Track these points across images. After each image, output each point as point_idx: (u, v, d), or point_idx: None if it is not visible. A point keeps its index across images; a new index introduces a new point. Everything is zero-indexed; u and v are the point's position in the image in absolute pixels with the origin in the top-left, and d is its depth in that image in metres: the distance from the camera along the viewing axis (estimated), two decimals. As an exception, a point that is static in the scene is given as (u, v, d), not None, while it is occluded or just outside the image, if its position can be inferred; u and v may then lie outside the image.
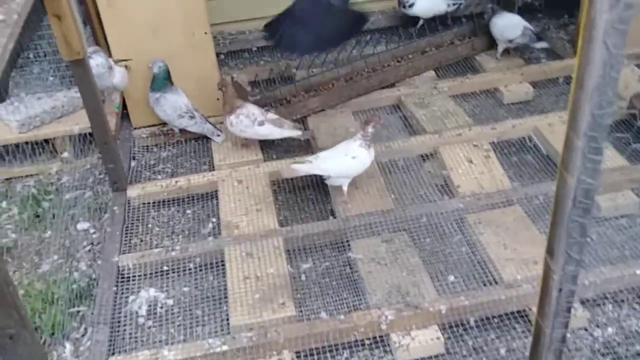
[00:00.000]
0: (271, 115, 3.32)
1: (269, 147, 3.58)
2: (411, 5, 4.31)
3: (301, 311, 2.56)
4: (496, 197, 2.99)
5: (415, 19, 4.49)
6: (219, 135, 3.54)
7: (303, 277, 2.74)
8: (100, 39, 3.67)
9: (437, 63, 4.08)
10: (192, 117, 3.51)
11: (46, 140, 3.60)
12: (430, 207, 2.98)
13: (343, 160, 2.97)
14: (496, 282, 2.60)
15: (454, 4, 4.37)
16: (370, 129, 2.94)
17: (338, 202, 3.03)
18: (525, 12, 4.59)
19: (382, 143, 3.39)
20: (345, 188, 3.02)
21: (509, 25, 3.99)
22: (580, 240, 1.64)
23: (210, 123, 3.53)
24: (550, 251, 1.71)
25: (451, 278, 2.65)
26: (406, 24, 4.62)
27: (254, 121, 3.27)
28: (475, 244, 2.80)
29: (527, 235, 2.77)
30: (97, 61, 3.31)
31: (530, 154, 3.35)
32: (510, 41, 3.99)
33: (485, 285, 2.60)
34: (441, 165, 3.26)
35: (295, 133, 3.31)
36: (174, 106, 3.48)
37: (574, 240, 1.63)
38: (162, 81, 3.46)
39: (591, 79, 1.37)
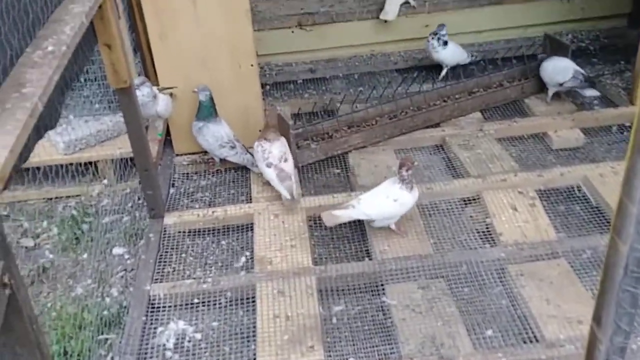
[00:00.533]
0: (284, 165, 3.24)
1: (307, 181, 3.54)
2: (443, 47, 4.27)
3: (330, 356, 2.48)
4: (540, 248, 2.86)
5: (440, 66, 4.42)
6: (256, 167, 3.49)
7: (334, 320, 2.66)
8: (149, 67, 3.72)
9: (485, 104, 3.99)
10: (232, 147, 3.50)
11: (90, 162, 3.65)
12: (470, 255, 2.88)
13: (385, 203, 2.91)
14: (537, 340, 2.47)
15: (472, 55, 4.43)
16: (404, 172, 2.89)
17: (376, 243, 2.96)
18: (579, 56, 4.49)
19: (423, 185, 3.30)
20: (393, 227, 2.98)
21: (558, 69, 3.88)
22: (631, 311, 1.53)
23: (250, 154, 3.52)
24: (597, 319, 1.60)
25: (489, 332, 2.53)
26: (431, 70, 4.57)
27: (265, 159, 3.26)
28: (516, 297, 2.67)
29: (573, 292, 2.63)
30: (143, 92, 3.35)
31: (578, 205, 3.21)
32: (561, 85, 3.88)
33: (524, 342, 2.47)
34: (484, 211, 3.16)
35: (285, 195, 3.20)
36: (215, 136, 3.48)
37: (624, 310, 1.52)
38: (208, 109, 3.47)
39: (651, 143, 1.28)
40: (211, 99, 3.47)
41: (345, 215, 2.94)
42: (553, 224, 3.02)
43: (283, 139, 3.35)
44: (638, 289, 1.49)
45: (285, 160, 3.27)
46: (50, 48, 1.88)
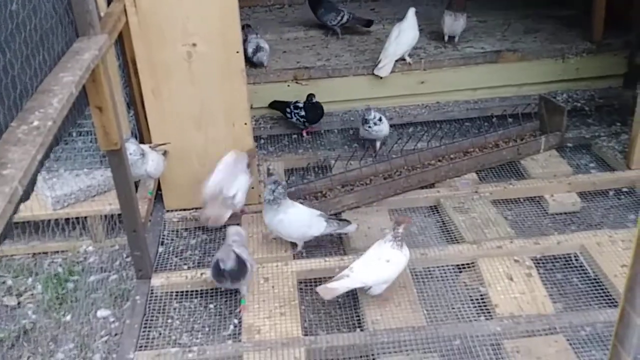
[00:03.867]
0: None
1: (300, 242, 3.47)
2: (376, 124, 4.10)
3: None
4: (537, 323, 2.78)
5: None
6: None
7: (323, 397, 2.57)
8: (142, 123, 3.69)
9: (480, 165, 3.96)
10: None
11: (78, 218, 3.58)
12: (464, 328, 2.79)
13: (378, 265, 2.85)
14: None
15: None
16: (401, 230, 2.84)
17: (368, 311, 2.88)
18: (574, 116, 4.50)
19: (417, 250, 3.24)
20: (383, 293, 2.91)
21: None
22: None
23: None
24: None
25: (483, 415, 2.44)
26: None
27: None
28: (512, 376, 2.58)
29: (570, 372, 2.55)
30: (129, 149, 3.29)
31: (576, 275, 3.15)
32: None
33: None
34: (479, 278, 3.09)
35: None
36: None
37: (627, 422, 1.45)
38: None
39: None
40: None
41: (341, 286, 2.85)
42: (550, 295, 2.95)
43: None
44: (642, 400, 1.42)
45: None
46: (35, 123, 1.84)
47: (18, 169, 1.63)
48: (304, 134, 4.57)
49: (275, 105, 4.65)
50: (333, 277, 3.15)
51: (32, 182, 2.08)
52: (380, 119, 4.09)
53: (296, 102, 4.47)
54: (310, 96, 4.40)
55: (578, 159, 4.10)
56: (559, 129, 4.07)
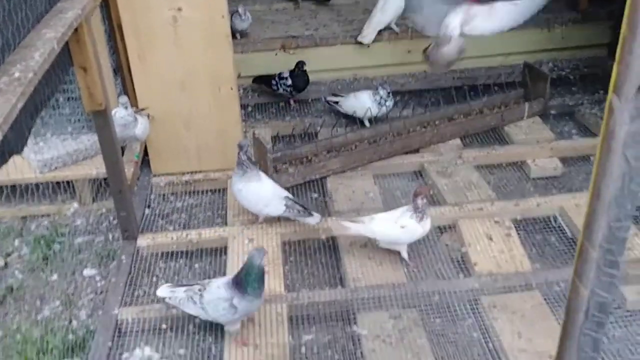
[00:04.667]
0: None
1: (285, 206, 3.52)
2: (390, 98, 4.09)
3: (297, 387, 2.45)
4: (514, 279, 2.85)
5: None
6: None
7: (303, 350, 2.62)
8: (129, 89, 3.70)
9: (464, 131, 4.00)
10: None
11: (66, 182, 3.61)
12: (443, 285, 2.86)
13: (392, 227, 2.92)
14: (506, 375, 2.45)
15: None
16: (419, 201, 2.87)
17: (350, 270, 2.94)
18: (559, 85, 4.53)
19: (399, 211, 3.30)
20: (404, 255, 2.98)
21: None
22: (593, 355, 1.52)
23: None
24: (559, 362, 1.59)
25: (459, 365, 2.51)
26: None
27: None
28: (488, 329, 2.65)
29: (545, 326, 2.61)
30: (128, 111, 3.33)
31: (554, 235, 3.21)
32: None
33: (494, 376, 2.45)
34: (459, 239, 3.15)
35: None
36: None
37: (585, 354, 1.51)
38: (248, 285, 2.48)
39: (609, 191, 1.28)
40: (258, 273, 2.50)
41: (353, 228, 2.93)
42: (528, 255, 3.02)
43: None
44: (599, 333, 1.49)
45: None
46: (16, 75, 1.86)
47: (-2, 115, 1.66)
48: (292, 102, 4.59)
49: (258, 80, 4.63)
50: (317, 238, 3.24)
51: (21, 137, 2.09)
52: (389, 94, 4.10)
53: (280, 73, 4.45)
54: (301, 64, 4.38)
55: (561, 126, 4.15)
56: (542, 96, 4.11)
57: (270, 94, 4.65)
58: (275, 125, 4.25)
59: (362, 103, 4.08)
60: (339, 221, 2.97)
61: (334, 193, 3.52)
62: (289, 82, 4.40)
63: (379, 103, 4.05)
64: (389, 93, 4.07)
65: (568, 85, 4.60)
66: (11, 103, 1.74)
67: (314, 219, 3.14)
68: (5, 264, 3.26)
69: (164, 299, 2.65)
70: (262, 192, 3.16)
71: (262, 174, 3.20)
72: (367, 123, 4.12)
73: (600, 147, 1.25)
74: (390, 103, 4.08)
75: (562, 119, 4.23)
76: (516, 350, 2.51)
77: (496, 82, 4.45)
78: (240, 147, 3.11)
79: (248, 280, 2.45)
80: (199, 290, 2.56)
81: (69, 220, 3.54)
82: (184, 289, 2.61)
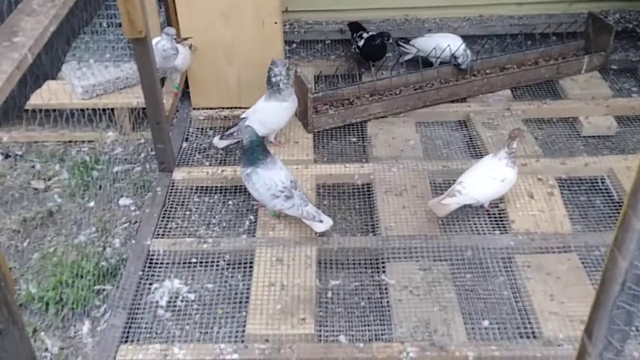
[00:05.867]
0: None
1: (322, 147, 3.46)
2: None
3: (320, 330, 2.45)
4: (552, 240, 2.75)
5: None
6: (321, 222, 2.77)
7: (329, 294, 2.62)
8: (172, 18, 3.63)
9: (516, 82, 3.80)
10: (288, 198, 2.75)
11: (106, 109, 3.63)
12: (477, 240, 2.78)
13: (492, 185, 2.82)
14: (534, 337, 2.39)
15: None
16: (515, 145, 2.79)
17: (383, 218, 2.89)
18: (623, 38, 4.25)
19: (440, 162, 3.20)
20: (487, 205, 2.93)
21: None
22: (624, 329, 1.44)
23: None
24: (589, 332, 1.51)
25: (485, 323, 2.46)
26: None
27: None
28: (520, 289, 2.58)
29: (579, 290, 2.53)
30: (171, 44, 3.27)
31: (600, 197, 3.07)
32: None
33: (521, 337, 2.40)
34: (499, 194, 3.04)
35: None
36: (267, 184, 2.76)
37: (617, 327, 1.43)
38: (253, 154, 2.77)
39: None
40: (256, 139, 2.77)
41: (454, 203, 2.80)
42: (570, 216, 2.90)
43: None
44: (634, 306, 1.40)
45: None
46: (50, -5, 1.82)
47: (29, 37, 1.63)
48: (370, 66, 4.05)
49: (352, 26, 4.16)
50: (352, 183, 3.19)
51: (57, 61, 2.06)
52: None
53: (362, 32, 3.95)
54: (386, 35, 3.85)
55: (621, 82, 3.91)
56: (605, 49, 3.85)
57: (317, 31, 4.51)
58: (319, 65, 4.14)
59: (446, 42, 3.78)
60: (439, 202, 2.82)
61: (374, 138, 3.43)
62: (361, 43, 3.89)
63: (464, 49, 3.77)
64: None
65: (633, 39, 4.30)
66: (43, 25, 1.70)
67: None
68: (45, 187, 3.33)
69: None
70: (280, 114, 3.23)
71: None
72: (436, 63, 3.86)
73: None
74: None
75: (623, 75, 3.98)
76: (547, 313, 2.44)
77: (555, 31, 4.20)
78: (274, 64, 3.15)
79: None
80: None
81: (108, 148, 3.57)
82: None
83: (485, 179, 2.81)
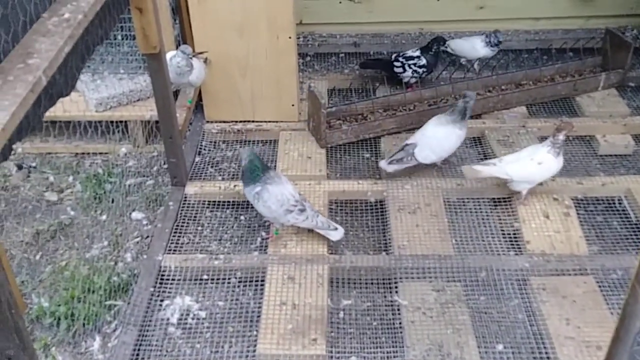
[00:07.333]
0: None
1: (335, 163, 3.44)
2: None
3: (332, 352, 2.42)
4: (568, 262, 2.71)
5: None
6: (336, 229, 2.79)
7: (342, 314, 2.59)
8: (186, 31, 3.63)
9: (532, 99, 3.77)
10: (302, 211, 2.73)
11: (120, 121, 3.63)
12: (492, 261, 2.75)
13: (528, 164, 2.89)
14: (549, 362, 2.35)
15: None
16: (561, 137, 2.84)
17: (396, 236, 2.86)
18: (641, 54, 4.20)
19: (453, 180, 3.17)
20: (524, 193, 2.95)
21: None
22: (646, 366, 1.40)
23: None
24: (608, 367, 1.48)
25: (500, 347, 2.42)
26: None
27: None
28: (535, 312, 2.54)
29: (596, 314, 2.48)
30: (186, 61, 3.26)
31: (617, 219, 3.02)
32: None
33: (536, 362, 2.36)
34: (514, 214, 3.00)
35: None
36: (279, 200, 2.72)
37: (638, 365, 1.40)
38: (254, 173, 2.76)
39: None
40: (255, 157, 2.76)
41: (485, 171, 2.92)
42: (586, 237, 2.86)
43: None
44: (657, 345, 1.36)
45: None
46: (66, 15, 1.82)
47: (44, 59, 1.63)
48: (413, 86, 3.84)
49: (369, 64, 4.02)
50: (365, 200, 3.16)
51: (71, 79, 2.06)
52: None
53: (402, 53, 3.82)
54: (441, 40, 3.83)
55: (639, 100, 3.85)
56: (622, 66, 3.81)
57: (331, 44, 4.49)
58: (332, 78, 4.12)
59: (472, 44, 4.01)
60: (471, 166, 2.95)
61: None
62: (423, 61, 3.75)
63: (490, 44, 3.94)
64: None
65: (653, 56, 4.25)
66: (58, 46, 1.70)
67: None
68: (58, 199, 3.34)
69: None
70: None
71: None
72: (476, 66, 4.09)
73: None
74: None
75: (641, 93, 3.94)
76: (562, 337, 2.40)
77: (572, 47, 4.16)
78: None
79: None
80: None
81: (121, 160, 3.58)
82: None
83: (522, 159, 2.88)
